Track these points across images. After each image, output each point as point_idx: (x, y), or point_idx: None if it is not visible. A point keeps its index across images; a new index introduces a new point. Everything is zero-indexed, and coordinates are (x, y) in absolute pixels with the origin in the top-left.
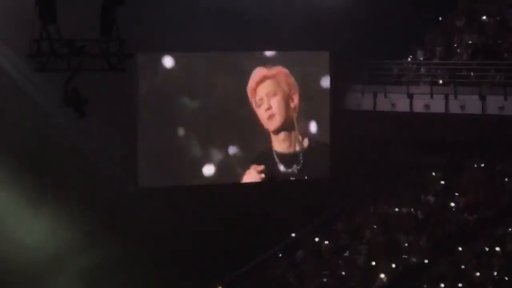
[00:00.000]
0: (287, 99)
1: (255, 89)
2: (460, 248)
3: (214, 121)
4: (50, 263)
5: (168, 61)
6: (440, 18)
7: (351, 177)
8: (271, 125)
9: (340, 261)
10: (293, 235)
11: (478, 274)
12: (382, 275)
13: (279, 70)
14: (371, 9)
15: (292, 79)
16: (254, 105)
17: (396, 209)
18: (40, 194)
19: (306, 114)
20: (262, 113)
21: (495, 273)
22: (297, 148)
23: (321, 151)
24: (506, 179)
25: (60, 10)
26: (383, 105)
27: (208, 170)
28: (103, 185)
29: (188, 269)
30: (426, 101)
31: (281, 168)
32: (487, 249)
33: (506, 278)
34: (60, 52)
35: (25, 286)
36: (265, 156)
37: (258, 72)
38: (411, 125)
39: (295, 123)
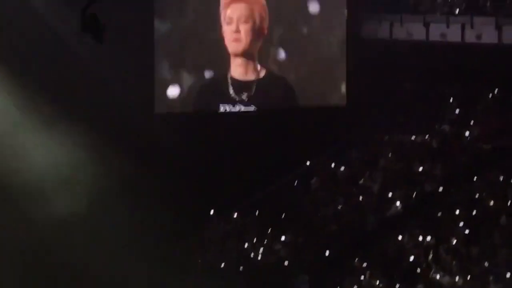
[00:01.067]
0: (257, 30)
1: (227, 6)
2: (474, 177)
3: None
4: (62, 185)
5: None
6: None
7: (367, 105)
8: (233, 47)
9: (355, 189)
10: (308, 163)
11: (492, 203)
12: (397, 203)
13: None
14: None
15: (266, 10)
16: (222, 19)
17: (411, 138)
18: (56, 120)
19: (322, 41)
20: (228, 32)
21: (509, 203)
22: (253, 77)
23: (336, 78)
24: None
25: None
26: (400, 33)
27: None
28: (119, 110)
29: (203, 195)
30: (443, 30)
31: (231, 93)
32: (501, 178)
33: None
34: None
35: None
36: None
37: None
38: (427, 54)
39: (256, 53)
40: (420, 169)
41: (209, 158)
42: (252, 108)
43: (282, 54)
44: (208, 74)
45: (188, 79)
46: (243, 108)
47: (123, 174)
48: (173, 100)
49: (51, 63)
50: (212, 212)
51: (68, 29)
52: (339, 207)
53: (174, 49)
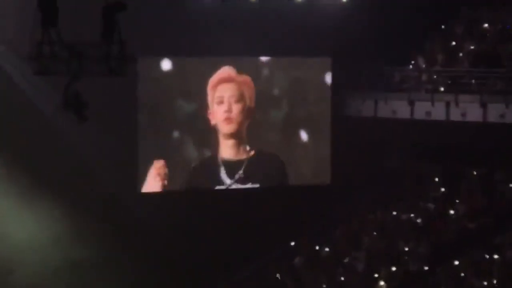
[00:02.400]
0: (247, 110)
1: (216, 86)
2: (459, 256)
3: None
4: (47, 269)
5: (168, 65)
6: (442, 26)
7: (351, 183)
8: (224, 128)
9: (340, 268)
10: (292, 243)
11: (477, 281)
12: (382, 282)
13: (247, 79)
14: (373, 16)
15: (253, 92)
16: (210, 99)
17: (396, 216)
18: (38, 198)
19: (306, 120)
20: (219, 112)
21: (495, 281)
22: (244, 156)
23: (320, 158)
24: (506, 187)
25: (61, 14)
26: (384, 111)
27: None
28: (102, 189)
29: (186, 273)
30: (427, 108)
31: (222, 175)
32: (486, 256)
33: (506, 286)
34: (61, 55)
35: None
36: (209, 162)
37: (226, 70)
38: (412, 132)
39: (245, 133)
40: (405, 247)
41: (192, 236)
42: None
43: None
44: (195, 153)
45: (174, 158)
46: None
47: (103, 252)
48: (157, 179)
49: (33, 140)
50: None
51: (51, 106)
52: (324, 286)
53: (158, 127)
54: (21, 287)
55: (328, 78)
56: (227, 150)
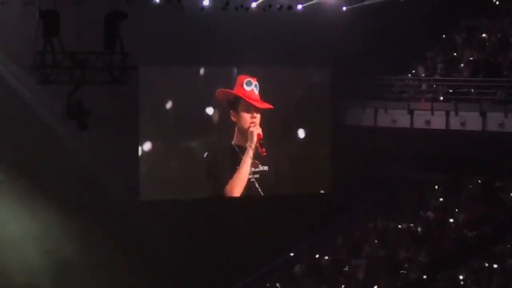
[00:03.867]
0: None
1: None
2: (459, 264)
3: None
4: (46, 275)
5: (171, 74)
6: (443, 36)
7: (351, 192)
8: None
9: (340, 276)
10: (292, 252)
11: None
12: None
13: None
14: (373, 25)
15: None
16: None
17: (396, 225)
18: (39, 205)
19: (306, 128)
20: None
21: None
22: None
23: (321, 166)
24: (505, 196)
25: (64, 23)
26: (384, 120)
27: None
28: (103, 197)
29: (185, 282)
30: (427, 117)
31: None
32: (486, 265)
33: None
34: (63, 64)
35: None
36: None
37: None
38: (412, 141)
39: None
40: (405, 256)
41: (192, 244)
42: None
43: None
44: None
45: (175, 165)
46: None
47: (103, 258)
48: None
49: (35, 148)
50: None
51: (53, 115)
52: None
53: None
54: None
55: (328, 87)
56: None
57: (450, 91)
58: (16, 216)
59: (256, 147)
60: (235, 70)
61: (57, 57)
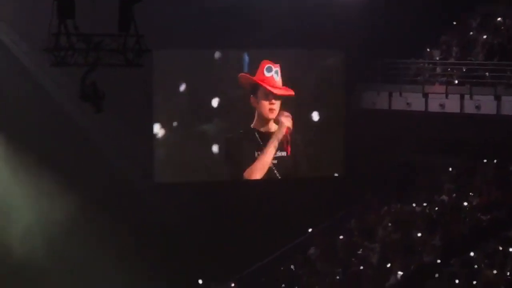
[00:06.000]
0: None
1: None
2: (473, 248)
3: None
4: (58, 256)
5: (185, 57)
6: (456, 19)
7: (365, 175)
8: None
9: (353, 259)
10: (308, 231)
11: (490, 274)
12: (395, 274)
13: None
14: (388, 8)
15: None
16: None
17: (410, 208)
18: (55, 188)
19: (320, 111)
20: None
21: (508, 273)
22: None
23: (334, 150)
24: None
25: (78, 5)
26: (398, 104)
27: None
28: (118, 179)
29: (201, 265)
30: (441, 100)
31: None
32: (500, 248)
33: None
34: (78, 47)
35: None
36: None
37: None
38: (426, 124)
39: None
40: (419, 239)
41: (206, 227)
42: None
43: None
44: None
45: (189, 148)
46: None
47: (120, 243)
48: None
49: (50, 131)
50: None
51: (68, 97)
52: (338, 277)
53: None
54: (32, 273)
55: (343, 70)
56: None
57: (465, 74)
58: (29, 196)
59: (282, 138)
60: (246, 54)
61: (72, 40)
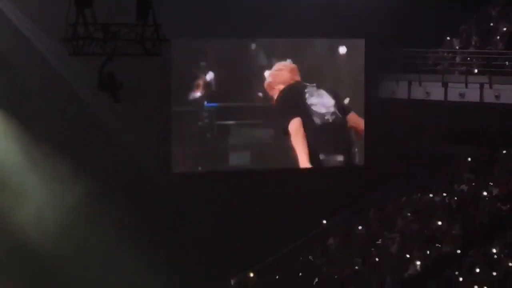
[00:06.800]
0: None
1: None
2: (492, 238)
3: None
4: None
5: (204, 47)
6: (476, 8)
7: (384, 165)
8: None
9: (373, 249)
10: (325, 222)
11: (510, 264)
12: (415, 263)
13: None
14: None
15: None
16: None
17: (429, 198)
18: (72, 177)
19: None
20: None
21: None
22: None
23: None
24: None
25: None
26: (418, 93)
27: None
28: (135, 169)
29: (219, 255)
30: (461, 90)
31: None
32: None
33: None
34: (95, 36)
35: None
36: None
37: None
38: (446, 114)
39: None
40: (438, 229)
41: (224, 217)
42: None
43: None
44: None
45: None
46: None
47: (136, 233)
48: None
49: (67, 121)
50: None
51: (85, 87)
52: (356, 267)
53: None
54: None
55: (362, 59)
56: None
57: (484, 64)
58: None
59: None
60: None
61: (90, 29)
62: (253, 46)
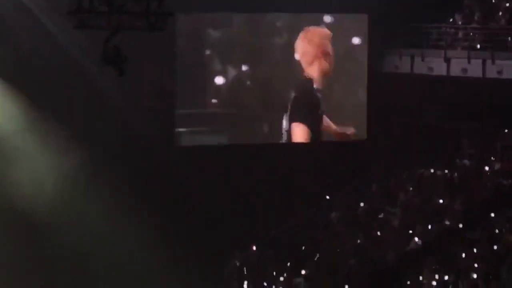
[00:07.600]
0: None
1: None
2: (494, 212)
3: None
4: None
5: (208, 21)
6: None
7: (387, 139)
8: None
9: (375, 223)
10: (328, 197)
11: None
12: (416, 238)
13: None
14: None
15: None
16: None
17: (431, 173)
18: (76, 151)
19: (343, 76)
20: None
21: None
22: None
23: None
24: None
25: None
26: (421, 68)
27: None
28: (140, 142)
29: (223, 228)
30: (464, 65)
31: None
32: None
33: None
34: (100, 9)
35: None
36: None
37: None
38: (448, 89)
39: None
40: (440, 204)
41: (228, 192)
42: None
43: None
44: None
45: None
46: None
47: (140, 208)
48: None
49: (72, 94)
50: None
51: (90, 60)
52: (358, 241)
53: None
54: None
55: (365, 34)
56: None
57: (487, 39)
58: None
59: None
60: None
61: (94, 2)
62: (254, 19)
